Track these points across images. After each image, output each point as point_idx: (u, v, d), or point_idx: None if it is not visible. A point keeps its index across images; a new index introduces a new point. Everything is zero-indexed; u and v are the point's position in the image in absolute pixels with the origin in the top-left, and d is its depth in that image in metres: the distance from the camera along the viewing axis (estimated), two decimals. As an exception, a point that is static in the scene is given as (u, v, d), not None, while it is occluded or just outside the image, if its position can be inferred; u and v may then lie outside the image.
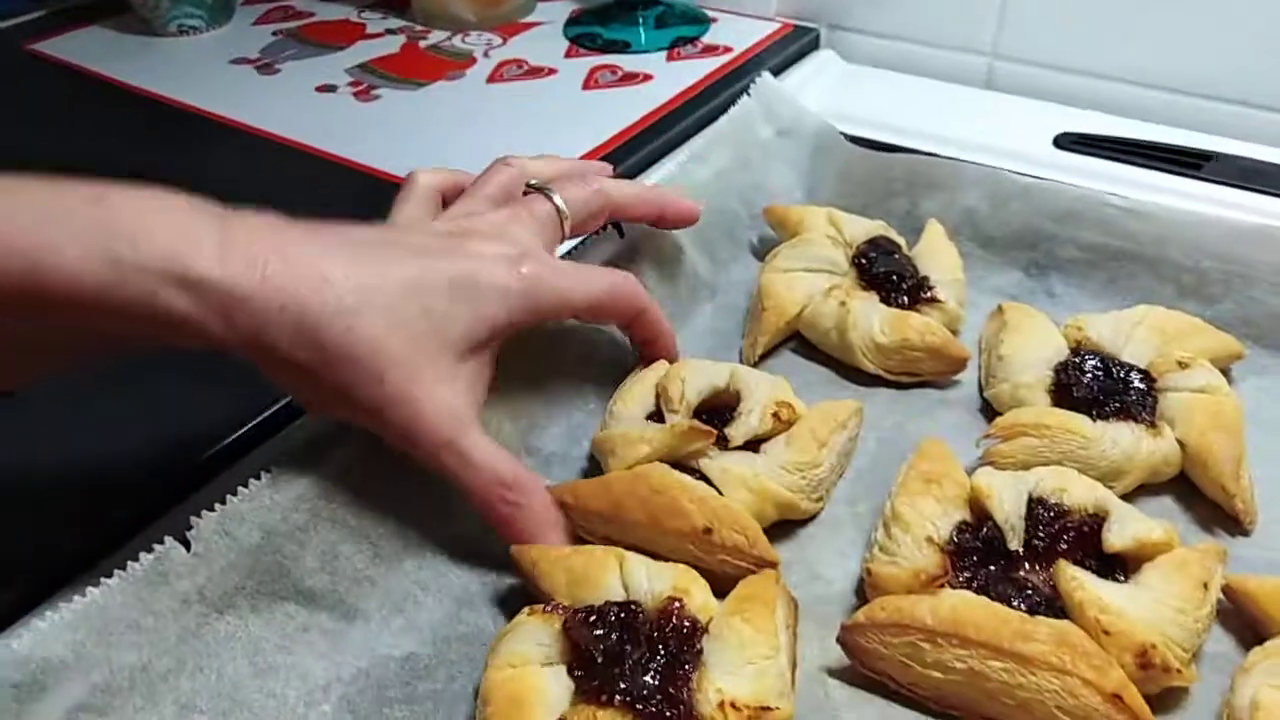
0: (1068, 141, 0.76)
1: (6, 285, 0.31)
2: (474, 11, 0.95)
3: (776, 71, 0.86)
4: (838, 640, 0.39)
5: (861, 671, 0.39)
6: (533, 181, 0.47)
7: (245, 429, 0.47)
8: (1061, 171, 0.69)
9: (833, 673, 0.39)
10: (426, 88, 0.85)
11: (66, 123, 0.83)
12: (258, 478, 0.40)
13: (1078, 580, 0.38)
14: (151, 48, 0.94)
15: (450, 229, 0.43)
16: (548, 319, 0.45)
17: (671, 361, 0.50)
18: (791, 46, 0.90)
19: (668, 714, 0.34)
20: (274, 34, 0.97)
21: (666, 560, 0.41)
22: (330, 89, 0.85)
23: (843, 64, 0.89)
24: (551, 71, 0.87)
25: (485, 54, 0.91)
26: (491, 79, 0.86)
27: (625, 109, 0.79)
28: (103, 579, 0.35)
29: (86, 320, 0.34)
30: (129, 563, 0.36)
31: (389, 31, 0.96)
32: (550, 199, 0.46)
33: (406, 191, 0.46)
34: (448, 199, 0.48)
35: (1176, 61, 0.78)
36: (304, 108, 0.81)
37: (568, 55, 0.90)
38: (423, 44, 0.93)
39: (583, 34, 0.92)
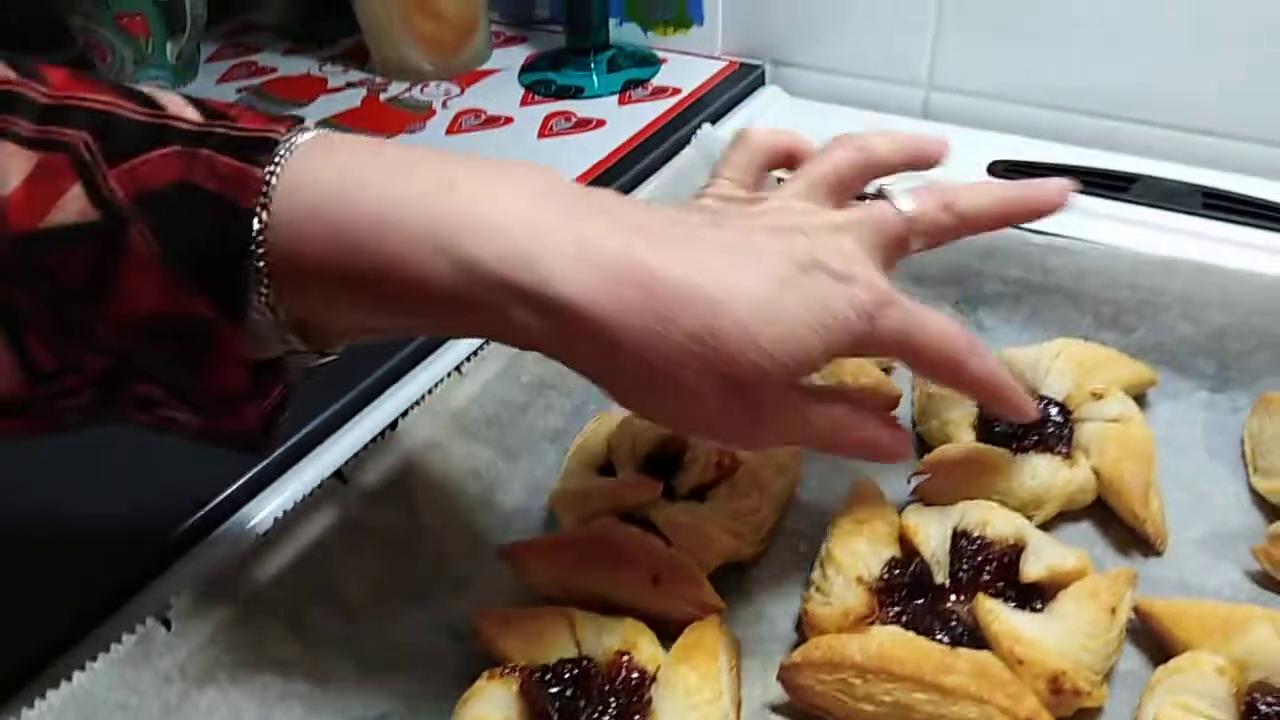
0: (1001, 169, 0.80)
1: (351, 276, 0.31)
2: (431, 61, 0.98)
3: (724, 109, 0.90)
4: (778, 679, 0.42)
5: (801, 708, 0.42)
6: (879, 183, 0.42)
7: (217, 501, 0.49)
8: None
9: (776, 709, 0.42)
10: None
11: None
12: (233, 550, 0.43)
13: (994, 613, 0.41)
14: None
15: (777, 226, 0.37)
16: (878, 352, 0.40)
17: (1023, 416, 0.44)
18: (738, 84, 0.93)
19: (619, 762, 0.37)
20: (238, 91, 0.99)
21: (619, 609, 0.44)
22: (292, 148, 0.87)
23: (787, 99, 0.92)
24: (508, 120, 0.90)
25: (444, 104, 0.93)
26: (450, 130, 0.89)
27: (580, 155, 0.82)
28: (87, 662, 0.38)
29: (431, 317, 0.34)
30: (112, 644, 0.39)
31: (350, 85, 0.99)
32: (898, 209, 0.40)
33: (736, 150, 0.42)
34: (774, 165, 0.43)
35: (1104, 87, 0.82)
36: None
37: (523, 103, 0.92)
38: (383, 96, 0.96)
39: (537, 81, 0.95)
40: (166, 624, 0.40)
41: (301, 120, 0.34)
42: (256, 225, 0.31)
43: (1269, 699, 0.38)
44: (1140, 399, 0.56)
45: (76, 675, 0.37)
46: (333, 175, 0.32)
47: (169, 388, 0.34)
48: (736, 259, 0.34)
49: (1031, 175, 0.77)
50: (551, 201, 0.33)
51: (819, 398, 0.38)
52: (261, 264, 0.31)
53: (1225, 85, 0.77)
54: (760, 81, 0.95)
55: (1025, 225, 0.60)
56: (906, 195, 0.40)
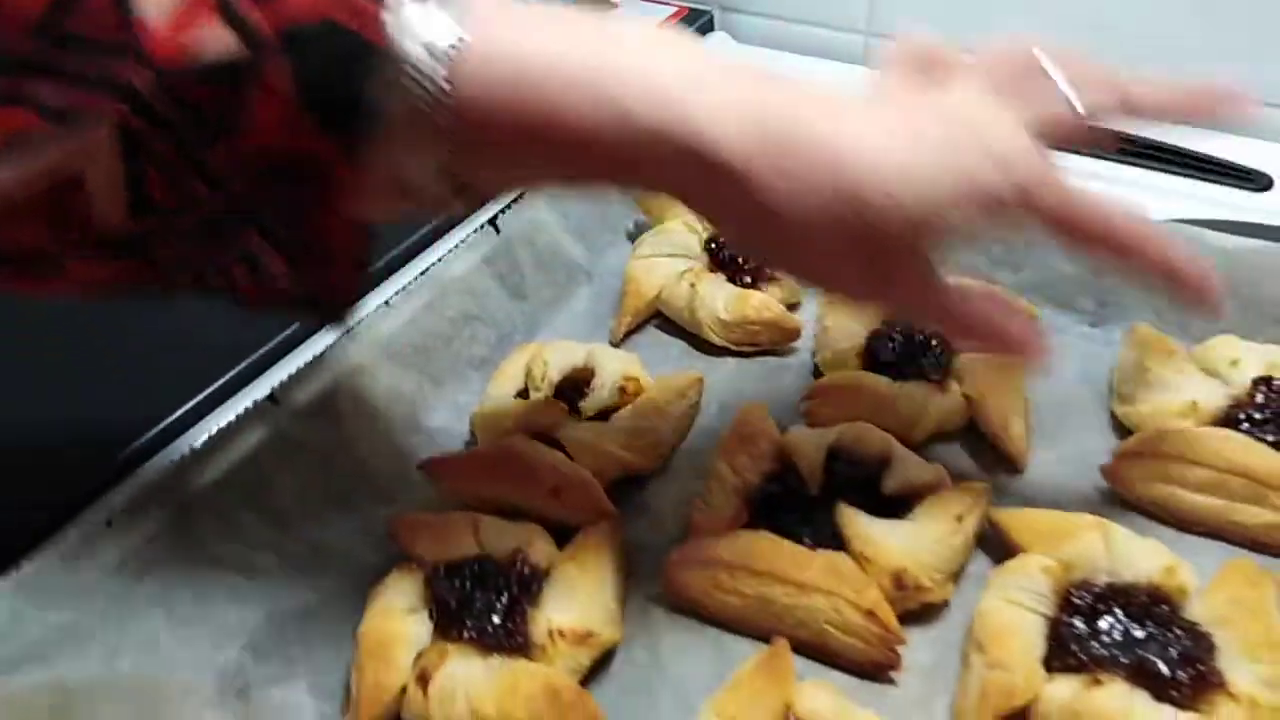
0: (933, 115, 0.82)
1: (527, 139, 0.33)
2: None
3: (673, 54, 0.92)
4: (660, 575, 0.47)
5: (679, 602, 0.47)
6: (1045, 67, 0.41)
7: (162, 426, 0.53)
8: None
9: (657, 602, 0.47)
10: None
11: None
12: (171, 462, 0.47)
13: (849, 518, 0.46)
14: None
15: (951, 112, 0.37)
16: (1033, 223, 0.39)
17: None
18: (687, 30, 0.95)
19: (507, 644, 0.42)
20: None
21: (525, 516, 0.49)
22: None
23: (734, 44, 0.95)
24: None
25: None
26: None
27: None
28: (36, 554, 0.43)
29: (598, 169, 0.35)
30: (58, 540, 0.43)
31: None
32: (1074, 106, 0.40)
33: (899, 50, 0.42)
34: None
35: (1038, 32, 0.85)
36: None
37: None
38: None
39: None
40: (108, 523, 0.45)
41: None
42: (439, 79, 0.32)
43: (1083, 592, 0.43)
44: (1025, 333, 0.60)
45: (24, 564, 0.42)
46: (509, 35, 0.33)
47: (276, 234, 0.35)
48: (891, 128, 0.35)
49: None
50: (711, 63, 0.34)
51: (951, 280, 0.40)
52: (447, 112, 0.32)
53: (1149, 34, 0.80)
54: (709, 27, 0.97)
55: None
56: (1080, 90, 0.40)
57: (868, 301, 0.40)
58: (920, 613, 0.46)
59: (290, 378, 0.52)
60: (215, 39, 0.30)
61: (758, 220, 0.35)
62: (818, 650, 0.44)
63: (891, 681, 0.44)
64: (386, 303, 0.57)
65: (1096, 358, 0.58)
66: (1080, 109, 0.40)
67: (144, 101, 0.30)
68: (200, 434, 0.51)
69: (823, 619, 0.43)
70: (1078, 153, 0.75)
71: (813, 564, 0.44)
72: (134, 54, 0.29)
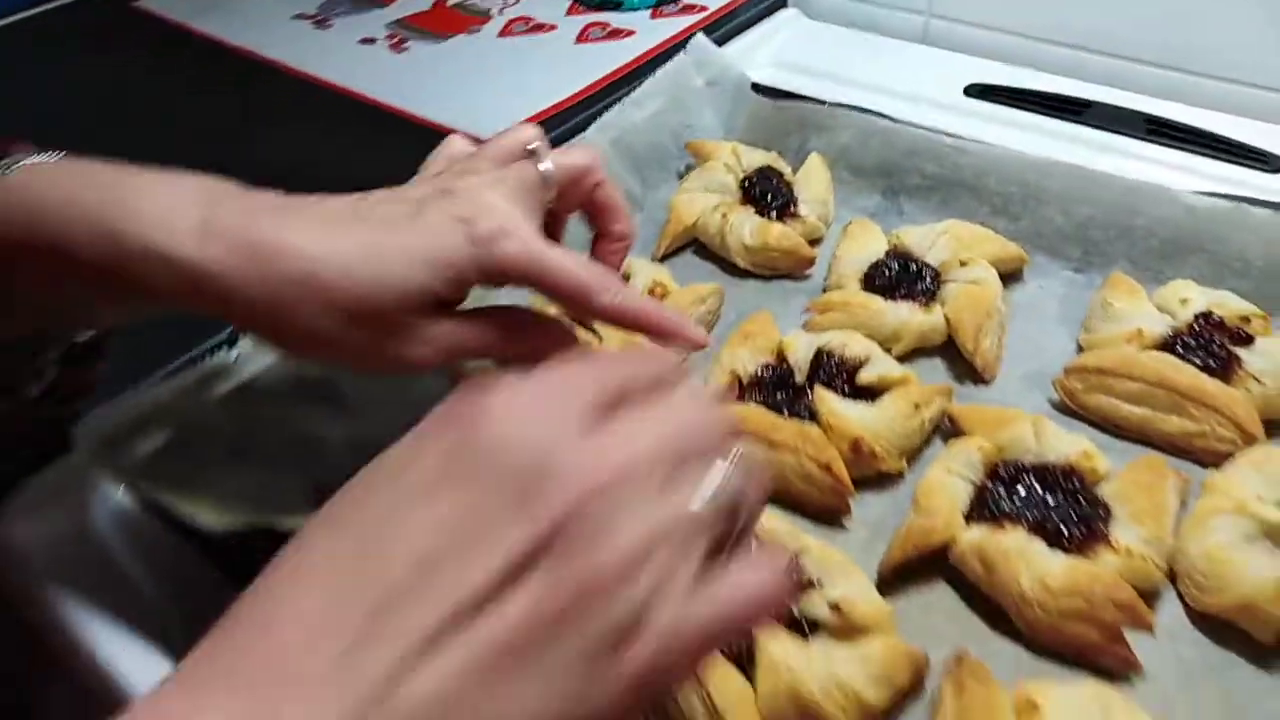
0: (975, 91, 0.90)
1: (48, 262, 0.38)
2: (495, -27, 1.12)
3: (745, 26, 1.02)
4: None
5: None
6: (532, 146, 0.43)
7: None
8: (966, 115, 0.84)
9: None
10: (449, 40, 1.03)
11: (160, 70, 1.03)
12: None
13: (822, 396, 0.55)
14: (229, 5, 1.14)
15: (427, 191, 0.40)
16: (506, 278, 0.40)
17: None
18: (761, 4, 1.05)
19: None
20: (323, -5, 1.15)
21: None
22: (370, 41, 1.04)
23: (804, 20, 1.04)
24: (552, 27, 1.04)
25: (500, 11, 1.08)
26: (502, 33, 1.04)
27: (608, 60, 0.96)
28: (168, 379, 0.55)
29: (105, 288, 0.39)
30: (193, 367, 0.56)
31: (423, -9, 1.14)
32: (536, 164, 0.42)
33: (437, 152, 0.45)
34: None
35: (1072, 21, 0.91)
36: (348, 58, 1.01)
37: (568, 13, 1.06)
38: (450, 2, 1.11)
39: (583, -7, 1.09)
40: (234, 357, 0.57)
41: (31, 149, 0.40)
42: None
43: (1008, 466, 0.51)
44: (1017, 275, 0.68)
45: (162, 385, 0.55)
46: (34, 182, 0.38)
47: None
48: (357, 219, 0.38)
49: (1000, 97, 0.88)
50: (201, 195, 0.38)
51: (453, 318, 0.39)
52: None
53: (1172, 20, 0.86)
54: (782, 3, 1.06)
55: (940, 129, 0.72)
56: (549, 157, 0.42)
57: (370, 367, 0.39)
58: (877, 480, 0.55)
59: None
60: None
61: (240, 314, 0.38)
62: (783, 496, 0.54)
63: (843, 528, 0.53)
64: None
65: (1075, 299, 0.66)
66: (552, 179, 0.41)
67: None
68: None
69: (788, 470, 0.53)
70: (1104, 129, 0.83)
71: (785, 428, 0.54)
72: None
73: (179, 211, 0.37)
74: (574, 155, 0.43)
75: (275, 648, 0.25)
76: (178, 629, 0.50)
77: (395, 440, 0.30)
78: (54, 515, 0.57)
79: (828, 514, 0.53)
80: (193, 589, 0.51)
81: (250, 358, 0.58)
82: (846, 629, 0.44)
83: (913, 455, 0.56)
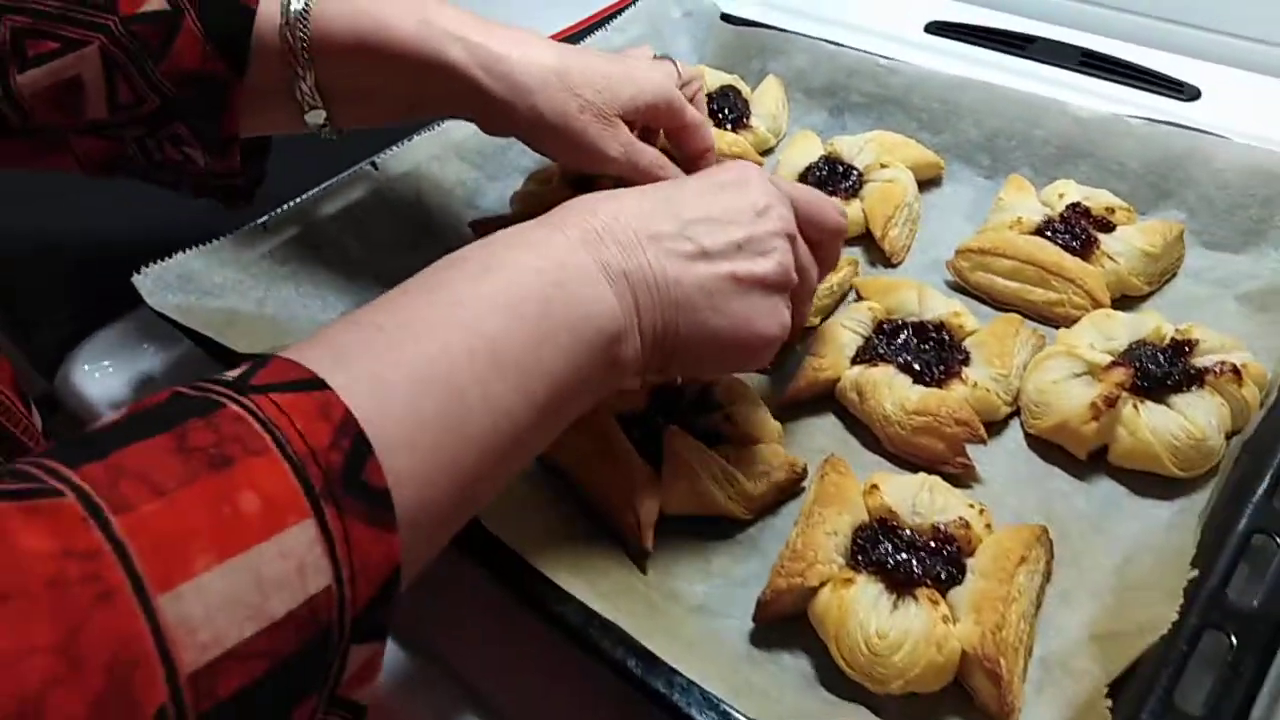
0: (934, 28, 1.00)
1: (359, 42, 0.55)
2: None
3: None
4: None
5: None
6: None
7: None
8: (926, 51, 0.94)
9: None
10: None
11: None
12: (303, 198, 0.71)
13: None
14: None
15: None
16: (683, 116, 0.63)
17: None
18: None
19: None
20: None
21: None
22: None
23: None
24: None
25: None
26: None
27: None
28: (216, 242, 0.67)
29: (407, 68, 0.56)
30: (234, 235, 0.68)
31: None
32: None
33: None
34: None
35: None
36: None
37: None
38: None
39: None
40: (265, 227, 0.69)
41: None
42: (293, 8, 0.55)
43: (890, 321, 0.62)
44: (935, 180, 0.78)
45: (207, 243, 0.67)
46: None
47: (193, 127, 0.55)
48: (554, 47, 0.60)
49: (955, 34, 0.97)
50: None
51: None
52: (305, 35, 0.56)
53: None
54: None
55: (875, 52, 0.82)
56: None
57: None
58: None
59: (387, 155, 0.76)
60: (155, 1, 0.53)
61: (527, 119, 0.58)
62: None
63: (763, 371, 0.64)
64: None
65: (983, 200, 0.76)
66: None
67: (115, 35, 0.52)
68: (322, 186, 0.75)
69: None
70: (1046, 63, 0.92)
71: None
72: (110, 7, 0.52)
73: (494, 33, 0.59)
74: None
75: (606, 216, 0.45)
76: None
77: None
78: (116, 365, 0.69)
79: None
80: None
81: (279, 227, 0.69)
82: (740, 438, 0.56)
83: (824, 315, 0.67)
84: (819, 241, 0.54)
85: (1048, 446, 0.57)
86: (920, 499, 0.51)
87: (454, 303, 0.39)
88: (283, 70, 0.57)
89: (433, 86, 0.59)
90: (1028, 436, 0.58)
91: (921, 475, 0.53)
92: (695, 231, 0.46)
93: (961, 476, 0.56)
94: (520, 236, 0.44)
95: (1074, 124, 0.73)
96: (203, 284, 0.65)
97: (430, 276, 0.42)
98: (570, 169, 0.77)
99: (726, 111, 0.82)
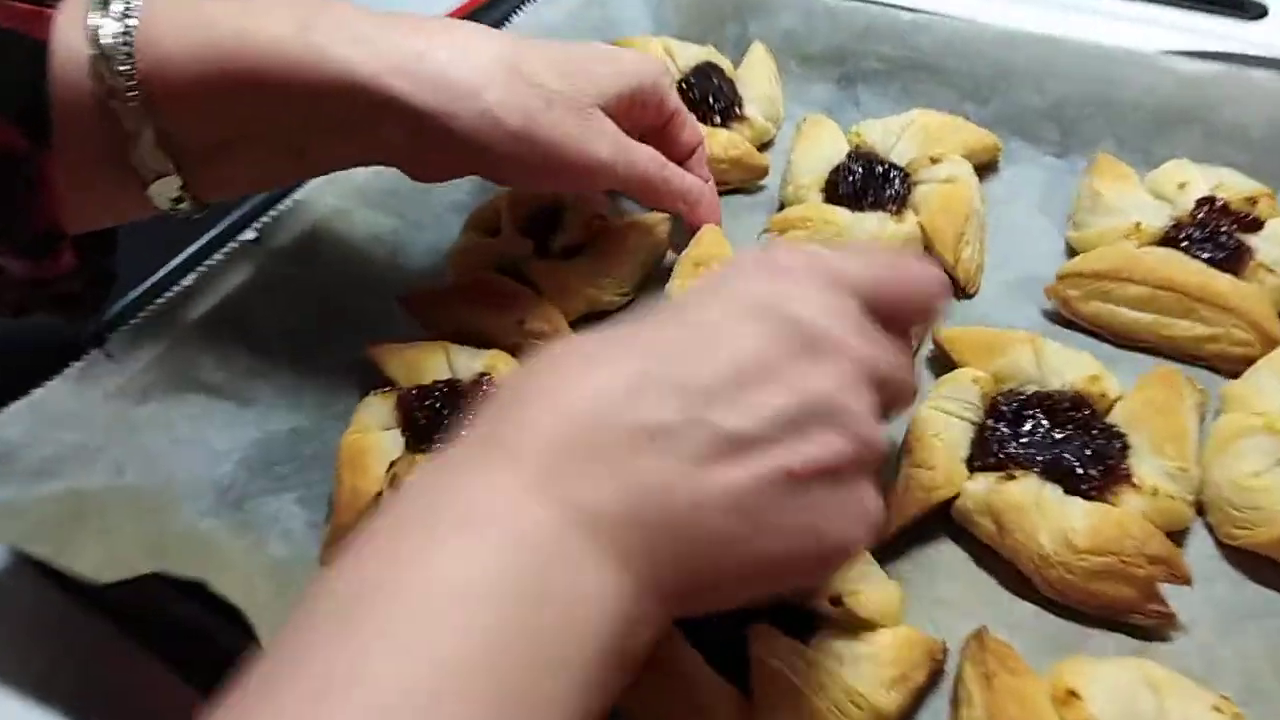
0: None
1: (214, 68, 0.39)
2: None
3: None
4: None
5: None
6: None
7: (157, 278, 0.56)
8: None
9: None
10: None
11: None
12: (164, 299, 0.51)
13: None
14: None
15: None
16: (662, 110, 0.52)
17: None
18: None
19: (472, 454, 0.46)
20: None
21: (495, 346, 0.52)
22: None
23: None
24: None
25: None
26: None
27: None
28: (46, 383, 0.47)
29: (291, 95, 0.41)
30: (63, 369, 0.47)
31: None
32: None
33: None
34: None
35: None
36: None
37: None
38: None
39: None
40: (109, 355, 0.49)
41: None
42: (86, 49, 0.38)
43: (1009, 400, 0.46)
44: (992, 164, 0.61)
45: (36, 391, 0.46)
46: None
47: (8, 232, 0.40)
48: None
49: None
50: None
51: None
52: (130, 70, 0.38)
53: None
54: None
55: (897, 3, 0.64)
56: None
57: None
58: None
59: (271, 219, 0.55)
60: None
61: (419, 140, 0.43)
62: None
63: None
64: (362, 149, 0.59)
65: (1058, 187, 0.59)
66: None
67: None
68: (191, 274, 0.54)
69: None
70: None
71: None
72: None
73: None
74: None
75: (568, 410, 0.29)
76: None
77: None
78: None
79: None
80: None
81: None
82: (851, 624, 0.39)
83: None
84: (908, 330, 0.38)
85: (1256, 562, 0.42)
86: (1140, 707, 0.35)
87: (352, 679, 0.23)
88: (106, 126, 0.39)
89: (330, 116, 0.42)
90: (1218, 544, 0.43)
91: (1133, 663, 0.37)
92: (714, 413, 0.29)
93: (1155, 627, 0.40)
94: (441, 500, 0.28)
95: (1171, 81, 0.57)
96: (26, 463, 0.45)
97: (325, 617, 0.25)
98: (524, 203, 0.57)
99: (711, 100, 0.63)
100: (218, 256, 0.53)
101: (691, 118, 0.55)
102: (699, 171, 0.55)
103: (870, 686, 0.37)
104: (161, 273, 0.56)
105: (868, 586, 0.39)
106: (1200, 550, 0.43)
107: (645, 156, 0.50)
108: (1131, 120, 0.58)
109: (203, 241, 0.57)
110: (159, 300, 0.51)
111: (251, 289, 0.53)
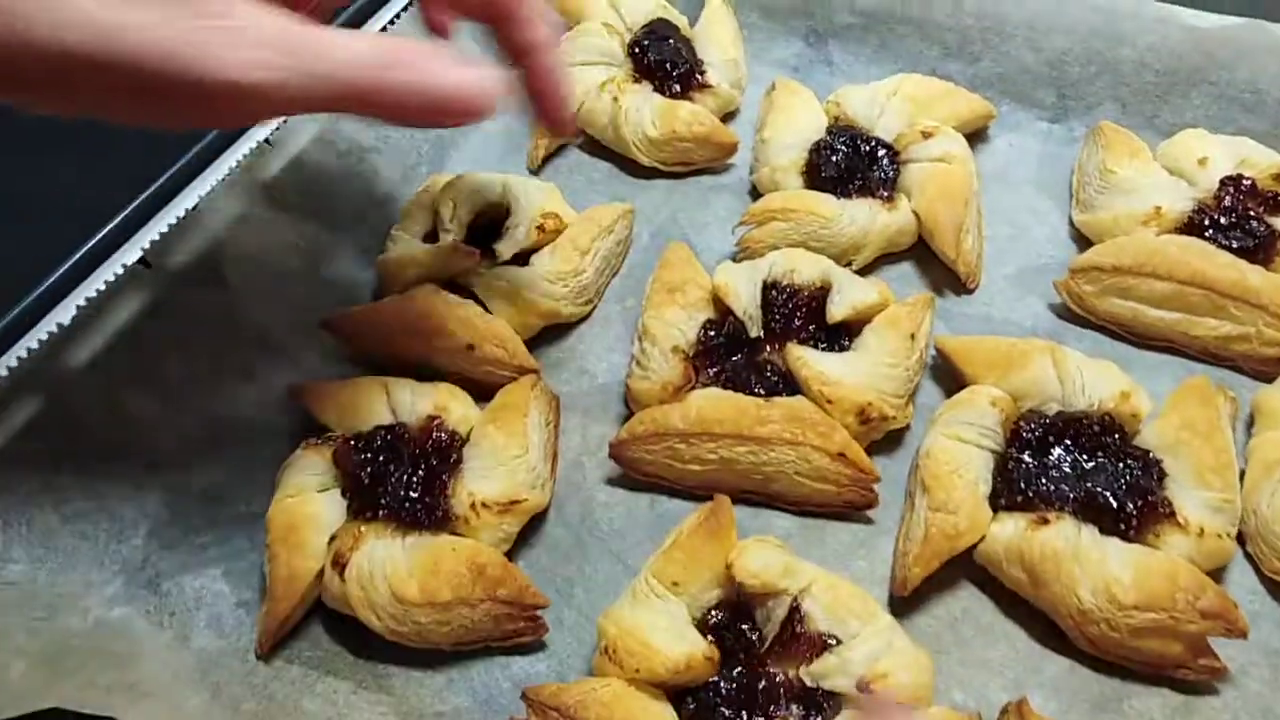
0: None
1: None
2: None
3: None
4: (610, 455, 0.43)
5: (637, 478, 0.43)
6: None
7: (25, 303, 0.47)
8: None
9: (611, 482, 0.44)
10: None
11: None
12: (39, 342, 0.42)
13: (802, 359, 0.42)
14: None
15: None
16: None
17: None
18: None
19: (426, 521, 0.40)
20: None
21: (439, 375, 0.45)
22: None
23: None
24: None
25: None
26: None
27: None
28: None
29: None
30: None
31: None
32: None
33: None
34: None
35: None
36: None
37: None
38: None
39: None
40: (-26, 418, 0.40)
41: None
42: None
43: (1033, 424, 0.41)
44: (981, 132, 0.55)
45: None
46: None
47: None
48: None
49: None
50: None
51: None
52: None
53: None
54: None
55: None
56: None
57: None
58: (883, 443, 0.44)
59: (162, 236, 0.46)
60: None
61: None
62: (790, 501, 0.42)
63: (869, 520, 0.42)
64: (267, 140, 0.50)
65: (1056, 159, 0.54)
66: None
67: None
68: (68, 309, 0.45)
69: (792, 470, 0.41)
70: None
71: (772, 416, 0.41)
72: None
73: None
74: None
75: None
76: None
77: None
78: None
79: (846, 510, 0.42)
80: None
81: None
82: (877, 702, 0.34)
83: (908, 397, 0.45)
84: None
85: (1304, 596, 0.38)
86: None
87: None
88: None
89: None
90: (1265, 579, 0.39)
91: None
92: None
93: (1203, 681, 0.37)
94: None
95: (1184, 37, 0.51)
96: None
97: None
98: (463, 201, 0.50)
99: (669, 67, 0.55)
100: (99, 285, 0.44)
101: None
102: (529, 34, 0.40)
103: (909, 788, 0.32)
104: (21, 308, 0.46)
105: (895, 663, 0.34)
106: (1242, 585, 0.39)
107: (349, 53, 0.32)
108: (1136, 82, 0.53)
109: (71, 263, 0.47)
110: (29, 346, 0.43)
111: (144, 323, 0.45)
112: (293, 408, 0.46)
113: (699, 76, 0.55)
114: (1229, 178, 0.46)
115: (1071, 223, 0.51)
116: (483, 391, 0.45)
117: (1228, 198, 0.46)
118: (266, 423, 0.46)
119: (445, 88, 0.33)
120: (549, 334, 0.49)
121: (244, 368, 0.47)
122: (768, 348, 0.45)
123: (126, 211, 0.50)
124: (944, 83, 0.53)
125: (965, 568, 0.40)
